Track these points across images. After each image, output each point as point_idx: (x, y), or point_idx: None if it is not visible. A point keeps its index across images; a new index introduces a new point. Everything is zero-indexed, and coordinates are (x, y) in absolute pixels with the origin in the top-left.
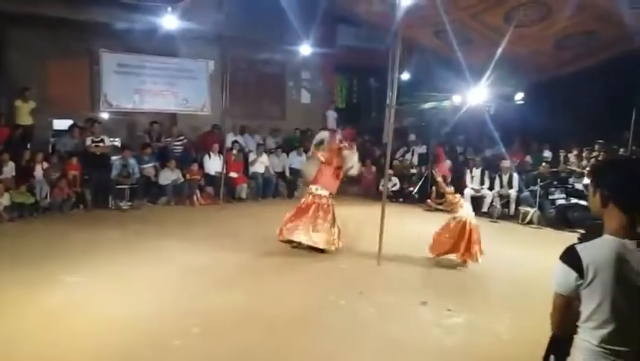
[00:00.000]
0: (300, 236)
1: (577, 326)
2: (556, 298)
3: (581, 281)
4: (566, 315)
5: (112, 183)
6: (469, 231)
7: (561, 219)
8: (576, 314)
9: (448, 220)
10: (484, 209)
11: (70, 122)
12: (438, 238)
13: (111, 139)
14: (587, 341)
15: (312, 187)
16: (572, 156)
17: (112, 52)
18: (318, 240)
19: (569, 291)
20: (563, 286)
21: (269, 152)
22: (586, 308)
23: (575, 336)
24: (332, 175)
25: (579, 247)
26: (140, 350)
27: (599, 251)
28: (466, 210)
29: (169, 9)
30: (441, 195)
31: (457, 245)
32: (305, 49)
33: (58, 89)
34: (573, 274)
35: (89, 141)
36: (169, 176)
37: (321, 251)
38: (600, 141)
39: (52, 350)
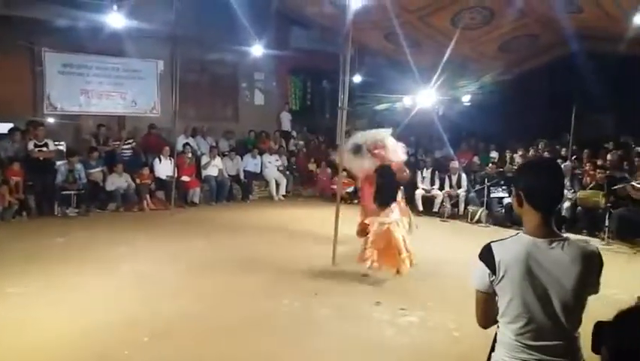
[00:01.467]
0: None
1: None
2: (477, 295)
3: (494, 277)
4: (486, 311)
5: (57, 189)
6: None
7: (508, 217)
8: (497, 309)
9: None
10: (435, 209)
11: (10, 125)
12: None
13: (56, 143)
14: (505, 334)
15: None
16: (517, 156)
17: (55, 51)
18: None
19: (485, 287)
20: (480, 283)
21: (222, 155)
22: (501, 304)
23: (497, 330)
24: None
25: (494, 245)
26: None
27: (511, 249)
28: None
29: (115, 7)
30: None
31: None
32: (257, 50)
33: None
34: (487, 271)
35: (31, 145)
36: (116, 181)
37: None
38: (543, 140)
39: None
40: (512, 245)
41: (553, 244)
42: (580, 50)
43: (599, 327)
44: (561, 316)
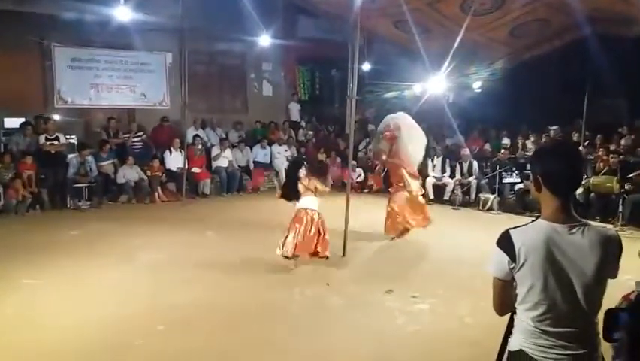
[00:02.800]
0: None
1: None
2: (494, 282)
3: (514, 265)
4: (504, 298)
5: (69, 182)
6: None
7: (520, 204)
8: (516, 296)
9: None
10: (446, 197)
11: (21, 119)
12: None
13: (67, 136)
14: (523, 321)
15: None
16: (529, 143)
17: (64, 46)
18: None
19: (504, 275)
20: (498, 270)
21: (232, 146)
22: (520, 291)
23: (515, 317)
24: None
25: (513, 232)
26: (103, 350)
27: (531, 235)
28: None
29: (122, 0)
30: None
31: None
32: (265, 40)
33: (8, 85)
34: (506, 259)
35: (42, 139)
36: (127, 173)
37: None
38: (554, 127)
39: (11, 355)
40: (531, 232)
41: (574, 230)
42: (592, 33)
43: (611, 315)
44: (582, 301)
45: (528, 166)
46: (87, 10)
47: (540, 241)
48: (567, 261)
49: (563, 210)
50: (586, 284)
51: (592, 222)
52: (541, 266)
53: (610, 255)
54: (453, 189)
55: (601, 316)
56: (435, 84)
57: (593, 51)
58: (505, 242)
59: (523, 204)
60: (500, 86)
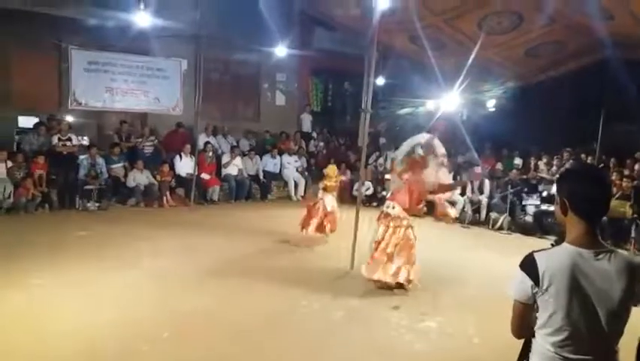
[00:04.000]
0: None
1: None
2: (515, 305)
3: (537, 289)
4: (524, 321)
5: (79, 184)
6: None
7: (537, 226)
8: (535, 320)
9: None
10: (456, 214)
11: (35, 119)
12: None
13: (79, 138)
14: (543, 346)
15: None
16: (541, 164)
17: (82, 49)
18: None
19: (526, 298)
20: (520, 294)
21: (242, 154)
22: (542, 315)
23: (533, 340)
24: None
25: (537, 255)
26: (108, 356)
27: (555, 260)
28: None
29: (141, 6)
30: None
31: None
32: (280, 50)
33: (24, 85)
34: (529, 282)
35: (55, 140)
36: (137, 177)
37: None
38: (568, 149)
39: (14, 357)
40: (556, 256)
41: (600, 256)
42: (610, 57)
43: None
44: (606, 328)
45: (540, 187)
46: (106, 15)
47: (565, 265)
48: (592, 287)
49: (590, 234)
50: (610, 312)
51: (618, 250)
52: (565, 292)
53: (636, 283)
54: (463, 207)
55: (627, 343)
56: (448, 101)
57: (610, 74)
58: (529, 265)
59: (540, 226)
60: (513, 104)
